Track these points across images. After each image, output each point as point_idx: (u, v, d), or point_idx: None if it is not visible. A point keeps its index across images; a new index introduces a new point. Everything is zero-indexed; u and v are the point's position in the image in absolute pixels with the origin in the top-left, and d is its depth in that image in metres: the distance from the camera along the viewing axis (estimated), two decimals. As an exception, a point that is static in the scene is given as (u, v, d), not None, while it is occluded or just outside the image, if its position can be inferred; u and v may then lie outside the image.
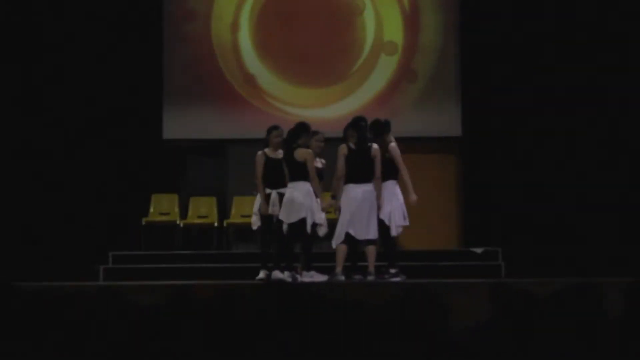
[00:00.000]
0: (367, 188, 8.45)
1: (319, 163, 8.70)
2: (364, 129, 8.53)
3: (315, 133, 8.69)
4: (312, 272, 8.46)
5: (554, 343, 3.16)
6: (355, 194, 8.43)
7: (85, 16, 11.10)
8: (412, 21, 11.53)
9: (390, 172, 8.61)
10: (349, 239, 8.46)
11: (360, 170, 8.45)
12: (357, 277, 8.55)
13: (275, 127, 8.73)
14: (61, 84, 11.02)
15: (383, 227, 8.54)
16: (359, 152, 8.47)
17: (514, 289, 3.60)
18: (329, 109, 11.37)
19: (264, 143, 8.73)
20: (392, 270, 8.57)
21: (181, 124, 11.42)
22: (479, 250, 10.13)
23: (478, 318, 3.56)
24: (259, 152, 8.66)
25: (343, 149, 8.50)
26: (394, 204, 8.57)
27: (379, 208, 8.49)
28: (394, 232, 8.56)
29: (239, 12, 11.59)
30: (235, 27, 11.57)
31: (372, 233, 8.46)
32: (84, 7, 11.12)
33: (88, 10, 11.12)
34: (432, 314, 2.88)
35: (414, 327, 2.83)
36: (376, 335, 2.83)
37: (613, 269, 8.94)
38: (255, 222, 8.75)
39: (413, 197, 8.67)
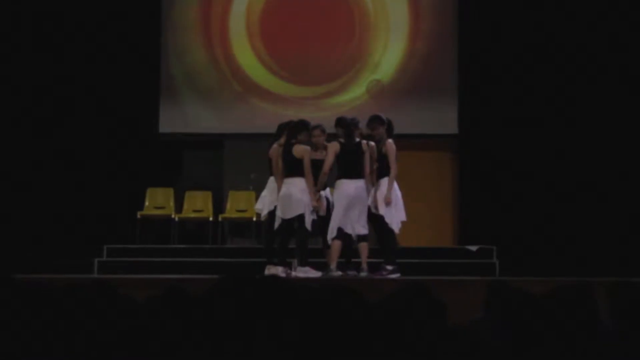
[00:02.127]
0: (359, 184, 8.50)
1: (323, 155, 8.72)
2: (349, 125, 8.56)
3: (315, 127, 8.72)
4: (307, 268, 8.49)
5: (549, 342, 3.16)
6: (348, 189, 8.46)
7: (82, 9, 11.08)
8: (410, 18, 11.51)
9: (387, 169, 8.63)
10: (342, 234, 8.48)
11: (351, 165, 8.49)
12: (351, 273, 8.56)
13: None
14: (57, 77, 11.00)
15: (382, 223, 8.56)
16: (349, 148, 8.50)
17: (509, 287, 3.60)
18: (324, 105, 11.35)
19: (274, 137, 8.78)
20: (389, 267, 8.57)
21: (177, 118, 11.42)
22: (474, 248, 10.13)
23: (472, 316, 3.55)
24: (275, 146, 8.71)
25: (335, 146, 8.53)
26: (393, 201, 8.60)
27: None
28: (396, 229, 8.59)
29: (233, 6, 11.57)
30: (231, 21, 11.55)
31: (364, 229, 8.50)
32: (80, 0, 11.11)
33: (84, 3, 11.09)
34: (426, 311, 2.87)
35: (409, 324, 2.82)
36: (370, 332, 2.82)
37: (609, 269, 8.94)
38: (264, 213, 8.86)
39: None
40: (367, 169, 8.53)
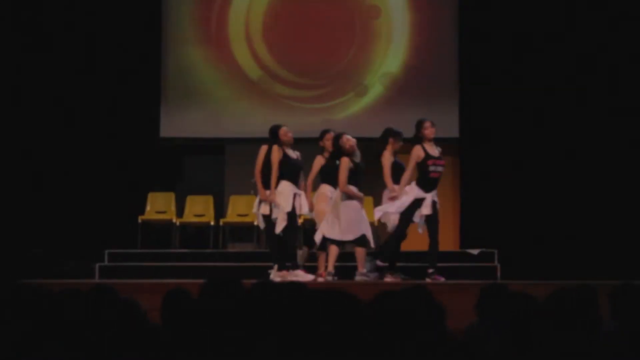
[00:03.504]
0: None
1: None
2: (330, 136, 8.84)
3: (327, 131, 9.01)
4: (298, 271, 8.54)
5: (550, 345, 3.16)
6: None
7: (83, 11, 11.09)
8: (411, 25, 11.52)
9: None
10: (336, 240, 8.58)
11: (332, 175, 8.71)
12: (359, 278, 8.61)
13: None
14: (58, 80, 11.01)
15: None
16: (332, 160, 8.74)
17: (510, 291, 3.60)
18: (326, 110, 11.35)
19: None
20: (390, 271, 8.63)
21: (178, 123, 11.42)
22: (475, 251, 10.12)
23: (473, 320, 3.55)
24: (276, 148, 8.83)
25: (321, 160, 8.89)
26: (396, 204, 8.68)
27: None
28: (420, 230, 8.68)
29: (233, 9, 11.58)
30: (231, 25, 11.56)
31: (357, 233, 8.54)
32: (81, 2, 11.10)
33: (86, 6, 11.11)
34: (427, 315, 2.87)
35: (409, 327, 2.82)
36: (370, 335, 2.82)
37: (611, 271, 8.93)
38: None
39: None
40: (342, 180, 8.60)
